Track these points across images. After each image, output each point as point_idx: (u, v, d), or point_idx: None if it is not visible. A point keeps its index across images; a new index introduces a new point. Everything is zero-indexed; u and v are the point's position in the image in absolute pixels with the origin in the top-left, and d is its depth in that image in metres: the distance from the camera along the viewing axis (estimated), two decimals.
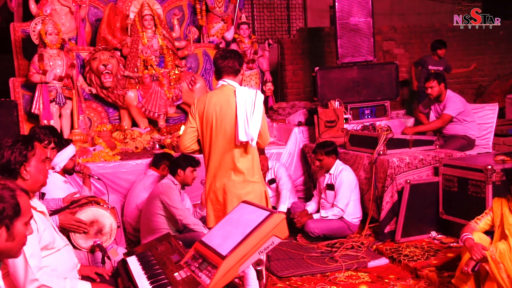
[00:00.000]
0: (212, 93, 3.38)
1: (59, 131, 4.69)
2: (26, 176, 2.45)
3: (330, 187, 4.74)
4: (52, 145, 3.53)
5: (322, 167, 4.81)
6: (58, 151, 3.66)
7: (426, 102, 5.79)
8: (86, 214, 3.13)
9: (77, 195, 3.46)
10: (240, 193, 3.18)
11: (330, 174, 4.76)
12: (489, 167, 3.93)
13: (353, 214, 4.71)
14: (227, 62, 3.25)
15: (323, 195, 4.86)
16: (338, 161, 4.80)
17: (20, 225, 1.82)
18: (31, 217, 1.90)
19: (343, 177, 4.66)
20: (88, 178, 4.19)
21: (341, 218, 4.67)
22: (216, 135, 3.23)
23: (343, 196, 4.62)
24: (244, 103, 3.11)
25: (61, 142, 3.70)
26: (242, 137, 3.12)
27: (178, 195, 4.39)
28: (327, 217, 4.65)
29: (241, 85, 3.31)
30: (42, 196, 3.26)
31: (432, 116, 5.66)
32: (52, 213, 3.18)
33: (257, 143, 3.20)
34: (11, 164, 2.41)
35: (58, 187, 3.54)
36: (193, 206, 4.83)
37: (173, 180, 4.47)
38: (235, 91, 3.19)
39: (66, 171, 3.87)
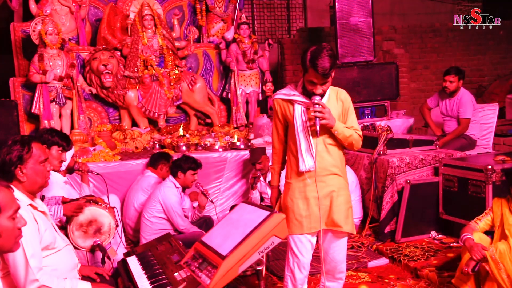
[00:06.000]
0: None
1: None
2: (22, 178, 2.41)
3: None
4: (60, 148, 3.52)
5: None
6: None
7: (435, 97, 5.75)
8: (84, 213, 3.12)
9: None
10: None
11: None
12: (489, 167, 3.93)
13: (353, 214, 4.69)
14: None
15: None
16: None
17: (4, 220, 1.79)
18: (17, 209, 1.86)
19: None
20: (86, 174, 4.20)
21: None
22: None
23: None
24: None
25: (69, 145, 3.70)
26: None
27: (179, 202, 4.39)
28: None
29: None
30: (41, 198, 3.25)
31: (442, 110, 5.60)
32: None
33: None
34: (6, 165, 2.38)
35: (59, 186, 3.54)
36: (193, 208, 4.82)
37: (175, 183, 4.44)
38: None
39: (68, 170, 3.89)
